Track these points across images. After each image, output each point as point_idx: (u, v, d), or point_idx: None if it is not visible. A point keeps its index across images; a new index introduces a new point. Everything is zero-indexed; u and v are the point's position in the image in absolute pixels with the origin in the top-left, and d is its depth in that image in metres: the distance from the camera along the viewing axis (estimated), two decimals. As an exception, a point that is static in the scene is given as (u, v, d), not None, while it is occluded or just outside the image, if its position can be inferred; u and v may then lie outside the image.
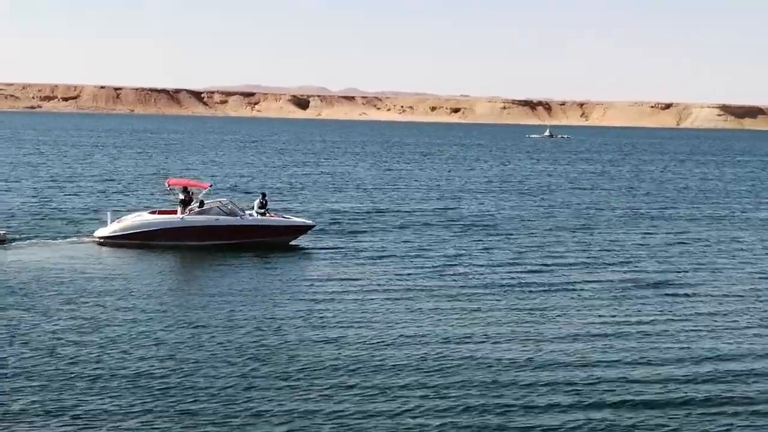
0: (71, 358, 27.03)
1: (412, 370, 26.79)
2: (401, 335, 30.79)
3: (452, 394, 24.66)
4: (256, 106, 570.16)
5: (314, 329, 31.34)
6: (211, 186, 53.14)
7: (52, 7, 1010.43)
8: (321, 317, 33.16)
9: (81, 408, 22.99)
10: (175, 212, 48.94)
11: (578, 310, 35.50)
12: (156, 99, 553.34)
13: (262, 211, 49.60)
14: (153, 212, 50.48)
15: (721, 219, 68.40)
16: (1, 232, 48.28)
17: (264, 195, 51.36)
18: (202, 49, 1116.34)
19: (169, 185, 52.82)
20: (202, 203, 49.43)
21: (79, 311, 33.02)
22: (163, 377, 25.53)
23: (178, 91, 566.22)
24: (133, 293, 36.70)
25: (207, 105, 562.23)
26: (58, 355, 27.29)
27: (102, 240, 48.48)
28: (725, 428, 22.92)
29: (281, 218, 50.27)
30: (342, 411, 23.20)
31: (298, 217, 52.61)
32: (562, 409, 23.72)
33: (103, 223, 49.36)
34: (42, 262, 42.51)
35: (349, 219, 61.92)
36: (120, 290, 37.11)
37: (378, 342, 29.81)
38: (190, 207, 48.85)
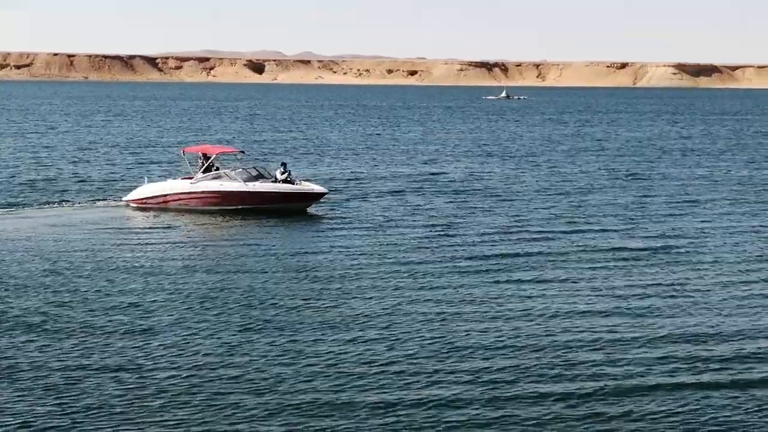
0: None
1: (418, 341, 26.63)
2: (418, 309, 30.23)
3: (455, 368, 24.22)
4: (211, 71, 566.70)
5: (320, 302, 31.03)
6: (240, 152, 56.17)
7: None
8: (330, 291, 32.51)
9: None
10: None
11: (588, 279, 34.53)
12: (110, 65, 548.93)
13: (285, 178, 49.62)
14: (186, 178, 51.20)
15: (709, 178, 68.93)
16: None
17: (284, 164, 51.44)
18: (157, 15, 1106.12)
19: (183, 153, 54.96)
20: (209, 168, 50.17)
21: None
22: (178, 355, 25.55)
23: (132, 57, 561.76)
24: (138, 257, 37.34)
25: (162, 71, 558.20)
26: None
27: (126, 204, 50.93)
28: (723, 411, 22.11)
29: (291, 185, 49.68)
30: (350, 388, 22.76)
31: (314, 183, 51.85)
32: (554, 388, 22.89)
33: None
34: (73, 223, 45.57)
35: (348, 184, 62.02)
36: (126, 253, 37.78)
37: (388, 315, 29.30)
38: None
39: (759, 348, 25.90)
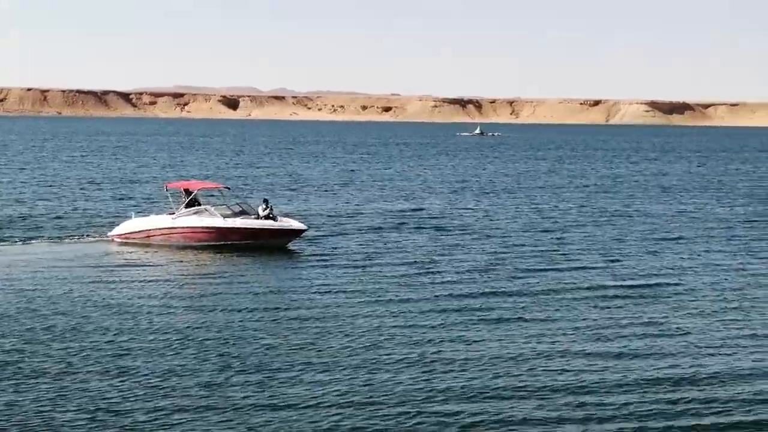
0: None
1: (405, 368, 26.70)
2: (393, 339, 30.34)
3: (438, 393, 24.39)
4: (185, 107, 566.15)
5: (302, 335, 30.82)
6: (225, 188, 56.18)
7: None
8: (309, 329, 32.18)
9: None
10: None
11: (569, 319, 34.03)
12: (83, 101, 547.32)
13: (267, 214, 49.25)
14: (171, 213, 50.85)
15: (686, 214, 68.87)
16: None
17: (266, 200, 50.93)
18: (130, 50, 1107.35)
19: (166, 188, 54.70)
20: (192, 204, 49.95)
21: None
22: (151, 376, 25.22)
23: (106, 92, 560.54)
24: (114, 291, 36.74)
25: (135, 106, 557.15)
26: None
27: (112, 239, 51.14)
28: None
29: (271, 221, 49.31)
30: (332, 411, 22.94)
31: (294, 219, 51.29)
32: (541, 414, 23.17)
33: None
34: (59, 257, 45.58)
35: (327, 221, 61.30)
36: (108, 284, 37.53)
37: (369, 345, 29.34)
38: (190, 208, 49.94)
39: (737, 391, 25.41)
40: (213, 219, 49.23)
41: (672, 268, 44.66)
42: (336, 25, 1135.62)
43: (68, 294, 36.51)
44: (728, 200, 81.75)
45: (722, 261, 47.44)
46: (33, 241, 50.83)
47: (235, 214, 49.47)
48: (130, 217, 52.73)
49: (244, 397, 24.00)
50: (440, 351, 28.81)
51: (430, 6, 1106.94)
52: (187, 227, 49.63)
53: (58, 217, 61.10)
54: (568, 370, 26.88)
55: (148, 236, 50.26)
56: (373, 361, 27.60)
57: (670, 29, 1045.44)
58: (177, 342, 29.38)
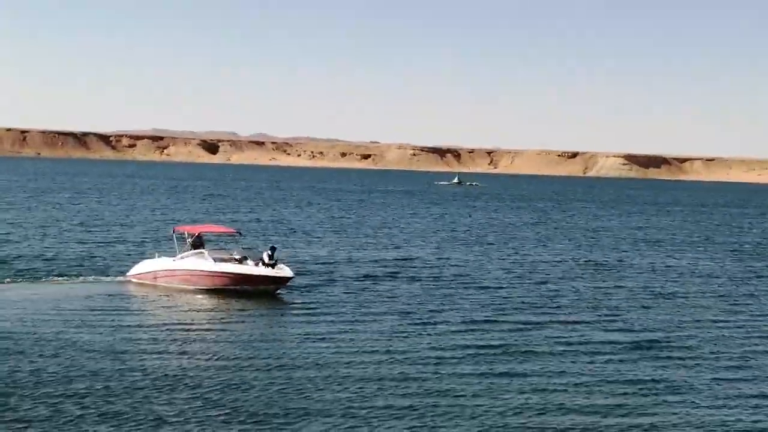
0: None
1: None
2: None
3: None
4: (165, 150, 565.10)
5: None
6: (235, 232, 56.96)
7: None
8: (297, 379, 31.74)
9: None
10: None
11: (556, 366, 34.32)
12: (63, 142, 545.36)
13: (272, 263, 49.09)
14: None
15: (676, 270, 68.82)
16: None
17: (274, 249, 50.65)
18: (110, 93, 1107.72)
19: (174, 231, 55.41)
20: (197, 246, 51.05)
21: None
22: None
23: (85, 134, 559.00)
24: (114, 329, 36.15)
25: (115, 149, 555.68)
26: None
27: (126, 280, 52.55)
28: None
29: (255, 267, 49.06)
30: None
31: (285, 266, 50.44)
32: None
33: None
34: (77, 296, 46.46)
35: (317, 268, 60.72)
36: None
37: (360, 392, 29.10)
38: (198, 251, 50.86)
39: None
40: (205, 263, 49.66)
41: (663, 323, 44.43)
42: (316, 72, 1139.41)
43: (58, 335, 36.22)
44: (717, 255, 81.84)
45: (712, 315, 47.33)
46: (58, 278, 52.52)
47: (233, 260, 49.73)
48: (144, 258, 54.83)
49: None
50: (428, 401, 28.44)
51: (411, 55, 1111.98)
52: (185, 270, 50.26)
53: (65, 258, 61.18)
54: (558, 426, 26.63)
55: (155, 277, 51.49)
56: (362, 409, 27.35)
57: (649, 84, 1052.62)
58: (167, 387, 29.15)
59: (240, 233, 57.75)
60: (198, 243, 51.37)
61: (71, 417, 25.73)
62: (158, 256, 53.21)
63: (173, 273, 50.68)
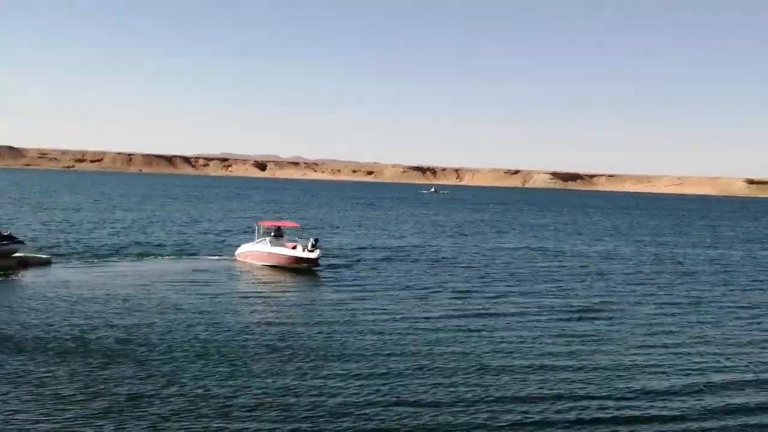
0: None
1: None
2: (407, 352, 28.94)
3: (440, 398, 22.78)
4: (229, 168, 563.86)
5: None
6: (296, 227, 56.22)
7: (83, 87, 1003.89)
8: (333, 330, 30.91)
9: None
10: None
11: (533, 325, 33.27)
12: (157, 162, 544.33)
13: (312, 249, 48.92)
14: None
15: (599, 251, 67.87)
16: (45, 256, 47.68)
17: (317, 240, 50.60)
18: (190, 124, 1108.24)
19: (257, 224, 56.48)
20: (278, 236, 51.57)
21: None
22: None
23: (174, 156, 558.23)
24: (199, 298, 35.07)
25: (194, 167, 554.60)
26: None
27: (233, 258, 52.48)
28: None
29: (293, 251, 49.18)
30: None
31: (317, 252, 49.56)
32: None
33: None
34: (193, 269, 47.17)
35: (342, 252, 59.86)
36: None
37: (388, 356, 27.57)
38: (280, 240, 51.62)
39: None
40: (266, 247, 50.59)
41: (595, 291, 43.26)
42: (336, 111, 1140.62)
43: (169, 298, 35.09)
44: (625, 242, 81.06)
45: (630, 286, 46.00)
46: (182, 257, 53.02)
47: (287, 246, 50.44)
48: (242, 243, 55.69)
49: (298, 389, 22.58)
50: (426, 348, 27.29)
51: (404, 97, 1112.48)
52: (257, 252, 51.15)
53: (184, 243, 60.55)
54: (520, 366, 25.55)
55: (245, 257, 51.69)
56: (380, 353, 26.14)
57: (568, 114, 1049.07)
58: (242, 334, 27.85)
59: (302, 228, 57.96)
60: (278, 233, 51.72)
61: (175, 356, 24.83)
62: (248, 242, 53.95)
63: (252, 254, 51.31)
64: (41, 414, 19.29)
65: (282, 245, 50.40)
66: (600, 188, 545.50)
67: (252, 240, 53.85)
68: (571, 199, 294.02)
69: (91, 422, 18.81)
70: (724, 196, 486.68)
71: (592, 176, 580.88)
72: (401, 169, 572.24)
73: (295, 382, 22.68)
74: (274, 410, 20.16)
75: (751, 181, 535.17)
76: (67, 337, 27.43)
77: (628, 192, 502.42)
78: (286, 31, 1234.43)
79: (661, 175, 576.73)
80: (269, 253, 50.05)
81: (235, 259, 52.04)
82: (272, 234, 51.72)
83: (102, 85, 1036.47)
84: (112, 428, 18.50)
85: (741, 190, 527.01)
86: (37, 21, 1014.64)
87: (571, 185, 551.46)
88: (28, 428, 18.34)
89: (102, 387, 21.67)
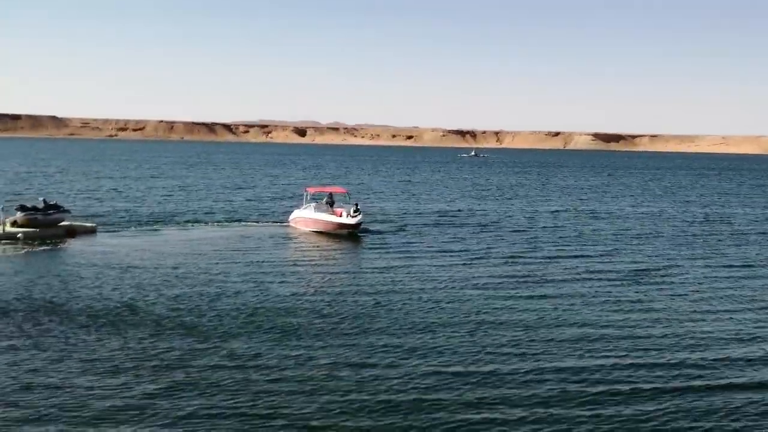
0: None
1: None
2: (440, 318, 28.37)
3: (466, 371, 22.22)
4: (269, 135, 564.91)
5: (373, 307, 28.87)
6: (345, 192, 56.99)
7: (128, 59, 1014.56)
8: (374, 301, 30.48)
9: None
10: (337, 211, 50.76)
11: (592, 297, 32.44)
12: (198, 129, 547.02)
13: (355, 214, 48.97)
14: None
15: (647, 213, 66.67)
16: (91, 225, 47.76)
17: (357, 204, 51.24)
18: (230, 90, 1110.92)
19: (305, 190, 56.86)
20: (329, 203, 51.30)
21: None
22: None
23: (215, 124, 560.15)
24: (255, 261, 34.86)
25: (235, 134, 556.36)
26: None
27: (286, 224, 52.52)
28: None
29: (337, 217, 49.23)
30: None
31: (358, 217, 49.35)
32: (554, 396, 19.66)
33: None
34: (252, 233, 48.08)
35: (385, 217, 59.32)
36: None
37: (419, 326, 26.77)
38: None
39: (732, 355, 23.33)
40: (311, 212, 50.61)
41: (644, 255, 42.45)
42: (373, 75, 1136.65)
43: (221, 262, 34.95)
44: (672, 204, 79.64)
45: (680, 250, 45.02)
46: (232, 223, 53.34)
47: (331, 212, 50.35)
48: (293, 208, 54.88)
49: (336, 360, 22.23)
50: (471, 317, 26.69)
51: (443, 56, 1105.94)
52: (304, 217, 51.23)
53: (232, 209, 60.34)
54: (565, 333, 24.94)
55: (296, 222, 51.76)
56: (420, 320, 25.79)
57: (611, 76, 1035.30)
58: (291, 297, 27.45)
59: (349, 194, 57.75)
60: (330, 200, 51.61)
61: (223, 323, 24.46)
62: (297, 208, 53.75)
63: (300, 220, 51.39)
64: (92, 383, 19.17)
65: (326, 211, 50.20)
66: (642, 149, 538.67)
67: (301, 206, 53.58)
68: (613, 160, 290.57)
69: (142, 391, 18.67)
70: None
71: (634, 137, 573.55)
72: (441, 133, 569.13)
73: (343, 354, 22.20)
74: (323, 382, 19.82)
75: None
76: (116, 305, 27.40)
77: (671, 152, 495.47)
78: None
79: (705, 134, 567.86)
80: (314, 219, 50.06)
81: (288, 225, 52.05)
82: (319, 200, 51.85)
83: (143, 55, 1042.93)
84: (163, 397, 18.32)
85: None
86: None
87: (613, 146, 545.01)
88: (80, 396, 18.23)
89: (152, 354, 21.55)
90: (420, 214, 63.07)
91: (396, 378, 20.02)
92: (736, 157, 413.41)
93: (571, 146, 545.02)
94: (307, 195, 54.82)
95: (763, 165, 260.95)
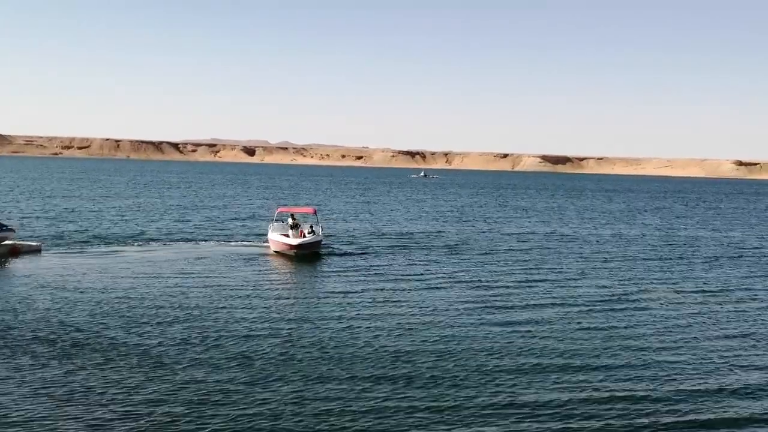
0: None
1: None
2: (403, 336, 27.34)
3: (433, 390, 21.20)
4: (217, 153, 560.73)
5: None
6: (311, 212, 55.04)
7: (73, 77, 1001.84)
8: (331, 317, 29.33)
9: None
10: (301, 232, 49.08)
11: (537, 313, 31.65)
12: (145, 148, 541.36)
13: (311, 233, 48.57)
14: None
15: (609, 238, 66.41)
16: (36, 244, 45.93)
17: (312, 226, 50.05)
18: (177, 110, 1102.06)
19: (277, 212, 55.44)
20: (294, 224, 49.91)
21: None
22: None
23: (161, 142, 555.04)
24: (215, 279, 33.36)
25: (182, 153, 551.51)
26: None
27: (265, 243, 50.78)
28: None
29: (295, 238, 47.72)
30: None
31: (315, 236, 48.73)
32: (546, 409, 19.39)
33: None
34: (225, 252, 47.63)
35: (339, 236, 58.22)
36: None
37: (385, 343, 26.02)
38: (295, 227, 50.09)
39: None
40: (272, 234, 49.22)
41: (626, 282, 41.67)
42: (325, 94, 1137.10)
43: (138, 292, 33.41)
44: (637, 226, 79.57)
45: (639, 274, 44.54)
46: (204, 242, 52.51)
47: (291, 232, 48.76)
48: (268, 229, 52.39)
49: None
50: (444, 342, 25.58)
51: (394, 82, 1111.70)
52: (269, 239, 49.77)
53: (174, 230, 58.35)
54: (541, 363, 23.99)
55: (267, 242, 50.22)
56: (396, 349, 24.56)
57: (561, 97, 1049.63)
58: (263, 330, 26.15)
59: (316, 212, 55.72)
60: (294, 222, 49.89)
61: (167, 350, 23.08)
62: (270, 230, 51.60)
63: (269, 240, 49.55)
64: (36, 414, 17.61)
65: (286, 231, 48.92)
66: (589, 171, 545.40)
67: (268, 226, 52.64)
68: (563, 181, 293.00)
69: (87, 424, 17.16)
70: (712, 177, 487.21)
71: (581, 159, 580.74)
72: (390, 154, 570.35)
73: (301, 387, 20.72)
74: (281, 409, 18.48)
75: (739, 163, 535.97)
76: (62, 329, 25.74)
77: (618, 174, 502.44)
78: (275, 17, 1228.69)
79: (650, 157, 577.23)
80: (272, 240, 48.87)
81: (266, 244, 50.61)
82: (281, 221, 50.67)
83: (89, 72, 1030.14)
84: (110, 429, 16.83)
85: (729, 171, 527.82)
86: (24, 3, 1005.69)
87: (561, 168, 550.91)
88: (18, 428, 16.65)
89: (102, 383, 19.99)
90: (383, 235, 61.63)
91: (360, 409, 18.88)
92: (681, 179, 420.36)
93: (519, 168, 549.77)
94: (274, 215, 54.04)
95: (710, 188, 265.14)
